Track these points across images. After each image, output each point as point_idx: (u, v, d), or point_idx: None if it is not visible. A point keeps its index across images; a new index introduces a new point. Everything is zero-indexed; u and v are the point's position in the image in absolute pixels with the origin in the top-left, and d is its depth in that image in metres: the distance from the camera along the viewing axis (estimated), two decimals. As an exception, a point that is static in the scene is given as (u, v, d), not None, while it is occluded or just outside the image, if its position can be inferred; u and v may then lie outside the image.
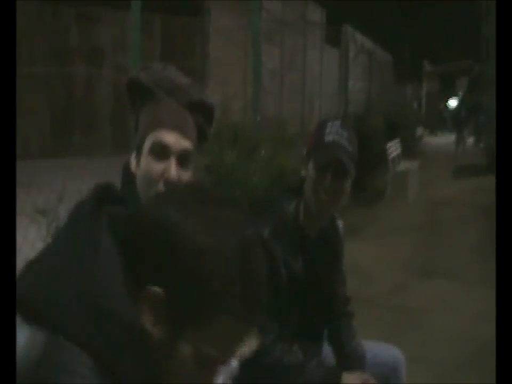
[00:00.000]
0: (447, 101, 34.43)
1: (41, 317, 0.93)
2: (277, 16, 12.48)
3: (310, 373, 2.13)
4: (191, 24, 13.36)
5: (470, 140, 25.06)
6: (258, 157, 5.12)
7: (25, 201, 3.11)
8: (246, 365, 1.69)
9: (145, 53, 4.16)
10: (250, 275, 0.98)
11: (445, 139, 27.45)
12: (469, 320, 5.06)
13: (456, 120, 25.22)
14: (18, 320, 0.95)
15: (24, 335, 0.93)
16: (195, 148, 1.70)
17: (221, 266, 0.95)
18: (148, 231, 0.98)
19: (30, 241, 3.01)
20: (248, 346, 1.05)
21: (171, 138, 1.64)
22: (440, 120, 33.74)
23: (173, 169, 1.62)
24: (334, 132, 2.16)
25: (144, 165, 1.65)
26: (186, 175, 1.66)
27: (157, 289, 0.96)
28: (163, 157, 1.63)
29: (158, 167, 1.62)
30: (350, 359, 2.36)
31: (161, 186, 1.61)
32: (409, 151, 15.83)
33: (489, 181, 8.53)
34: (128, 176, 1.71)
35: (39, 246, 2.89)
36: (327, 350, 2.44)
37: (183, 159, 1.65)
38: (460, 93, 32.48)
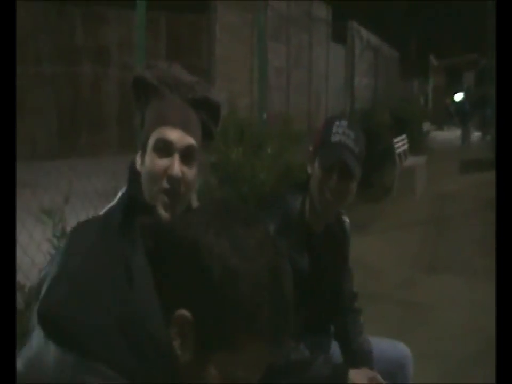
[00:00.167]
0: (453, 95, 34.25)
1: (72, 339, 0.91)
2: (282, 13, 12.49)
3: (317, 370, 2.13)
4: (197, 22, 13.38)
5: (477, 134, 24.94)
6: (264, 153, 5.11)
7: (32, 202, 3.12)
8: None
9: (151, 51, 4.15)
10: (280, 297, 0.97)
11: (452, 133, 27.33)
12: (475, 315, 5.03)
13: (461, 114, 25.10)
14: (40, 332, 0.93)
15: (51, 354, 0.91)
16: (199, 144, 1.69)
17: (253, 290, 0.94)
18: (179, 252, 0.96)
19: (36, 242, 3.03)
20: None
21: (174, 135, 1.62)
22: (446, 114, 33.58)
23: (176, 165, 1.60)
24: (340, 132, 2.15)
25: (148, 162, 1.63)
26: (190, 172, 1.64)
27: (186, 312, 0.94)
28: (167, 153, 1.61)
29: (161, 163, 1.61)
30: (357, 355, 2.35)
31: (164, 183, 1.59)
32: (416, 146, 15.76)
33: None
34: (134, 174, 1.69)
35: (45, 246, 2.92)
36: (334, 346, 2.44)
37: (187, 155, 1.63)
38: (466, 87, 32.32)
